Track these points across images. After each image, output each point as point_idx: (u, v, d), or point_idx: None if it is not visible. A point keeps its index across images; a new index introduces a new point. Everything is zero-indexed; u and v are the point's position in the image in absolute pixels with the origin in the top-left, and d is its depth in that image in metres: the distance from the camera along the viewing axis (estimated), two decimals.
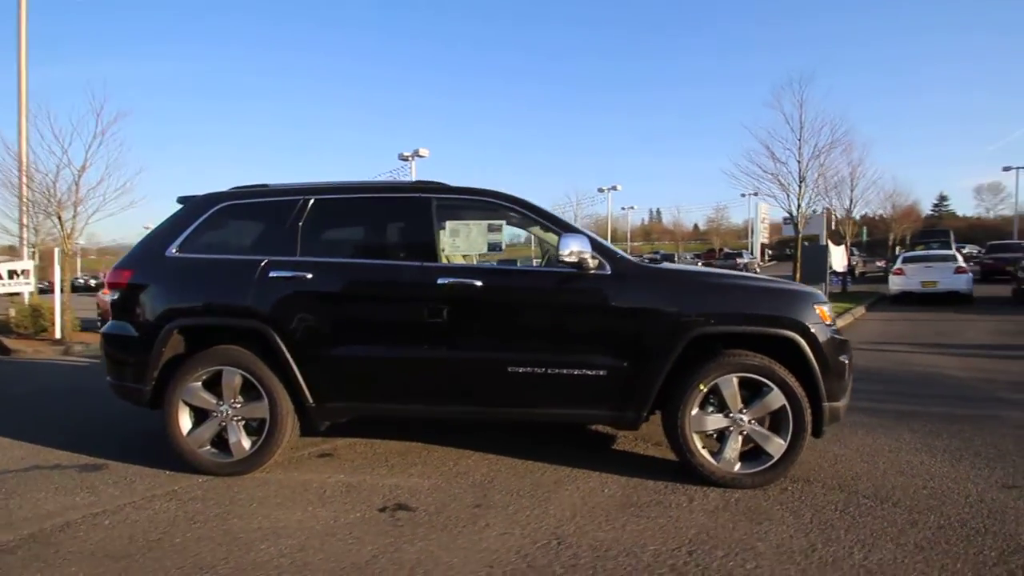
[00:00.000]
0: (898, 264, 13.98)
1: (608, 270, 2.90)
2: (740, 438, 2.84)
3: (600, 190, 38.90)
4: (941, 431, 3.71)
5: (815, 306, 2.89)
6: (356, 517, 2.55)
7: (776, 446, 2.79)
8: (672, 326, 2.80)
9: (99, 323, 12.95)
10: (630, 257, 3.10)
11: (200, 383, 3.04)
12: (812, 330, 2.81)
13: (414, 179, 3.36)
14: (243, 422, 3.06)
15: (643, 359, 2.82)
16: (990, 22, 74.56)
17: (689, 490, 2.79)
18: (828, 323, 2.90)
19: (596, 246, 2.89)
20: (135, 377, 3.16)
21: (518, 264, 3.43)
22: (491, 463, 3.20)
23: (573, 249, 2.77)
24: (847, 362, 2.93)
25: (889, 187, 24.06)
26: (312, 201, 3.18)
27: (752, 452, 2.86)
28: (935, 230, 26.72)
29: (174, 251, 3.21)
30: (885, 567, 2.09)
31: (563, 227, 3.03)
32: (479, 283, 2.92)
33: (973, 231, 41.67)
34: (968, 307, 12.11)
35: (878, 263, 25.78)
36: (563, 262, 2.79)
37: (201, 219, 3.25)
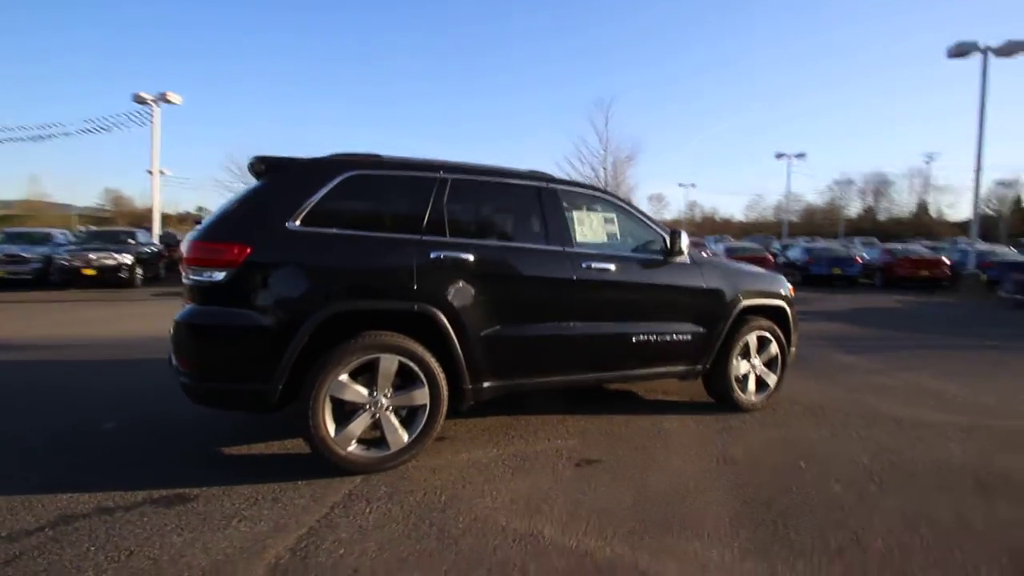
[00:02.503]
0: None
1: (688, 259, 3.79)
2: (755, 377, 4.11)
3: None
4: (792, 367, 5.77)
5: (787, 284, 4.37)
6: (572, 472, 2.87)
7: (773, 380, 4.16)
8: (730, 300, 3.88)
9: None
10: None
11: (348, 375, 2.74)
12: (790, 300, 4.27)
13: (528, 169, 3.57)
14: (393, 412, 2.88)
15: (712, 325, 3.82)
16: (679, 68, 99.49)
17: (733, 417, 3.92)
18: (793, 295, 4.41)
19: None
20: (251, 375, 2.63)
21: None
22: (582, 424, 3.70)
23: (687, 242, 3.59)
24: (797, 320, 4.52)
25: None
26: (450, 180, 3.14)
27: (758, 385, 4.17)
28: None
29: (297, 224, 2.74)
30: (867, 436, 3.58)
31: (658, 224, 3.78)
32: (612, 267, 3.45)
33: None
34: None
35: None
36: (679, 252, 3.58)
37: (326, 189, 2.84)
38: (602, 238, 3.61)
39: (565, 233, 3.39)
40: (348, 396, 2.75)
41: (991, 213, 44.19)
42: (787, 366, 4.25)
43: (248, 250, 2.62)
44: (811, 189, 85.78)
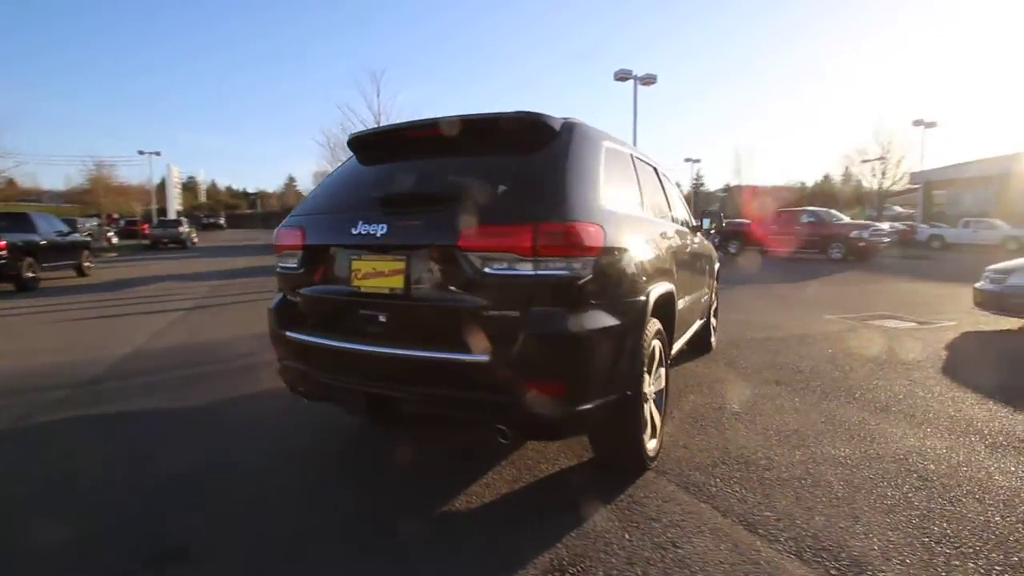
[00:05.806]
0: None
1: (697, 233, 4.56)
2: (712, 325, 5.23)
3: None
4: None
5: None
6: (757, 416, 3.29)
7: (715, 324, 5.39)
8: (714, 263, 4.86)
9: None
10: None
11: None
12: None
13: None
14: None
15: (712, 284, 4.73)
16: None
17: (713, 357, 4.93)
18: None
19: None
20: (619, 383, 2.16)
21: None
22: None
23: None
24: None
25: None
26: (634, 156, 3.02)
27: (714, 331, 5.31)
28: None
29: (602, 201, 2.24)
30: (820, 352, 5.16)
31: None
32: (699, 241, 3.94)
33: None
34: None
35: None
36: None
37: (601, 162, 2.41)
38: (684, 215, 4.01)
39: (679, 209, 3.69)
40: (648, 389, 2.46)
41: None
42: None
43: (603, 232, 2.05)
44: None
